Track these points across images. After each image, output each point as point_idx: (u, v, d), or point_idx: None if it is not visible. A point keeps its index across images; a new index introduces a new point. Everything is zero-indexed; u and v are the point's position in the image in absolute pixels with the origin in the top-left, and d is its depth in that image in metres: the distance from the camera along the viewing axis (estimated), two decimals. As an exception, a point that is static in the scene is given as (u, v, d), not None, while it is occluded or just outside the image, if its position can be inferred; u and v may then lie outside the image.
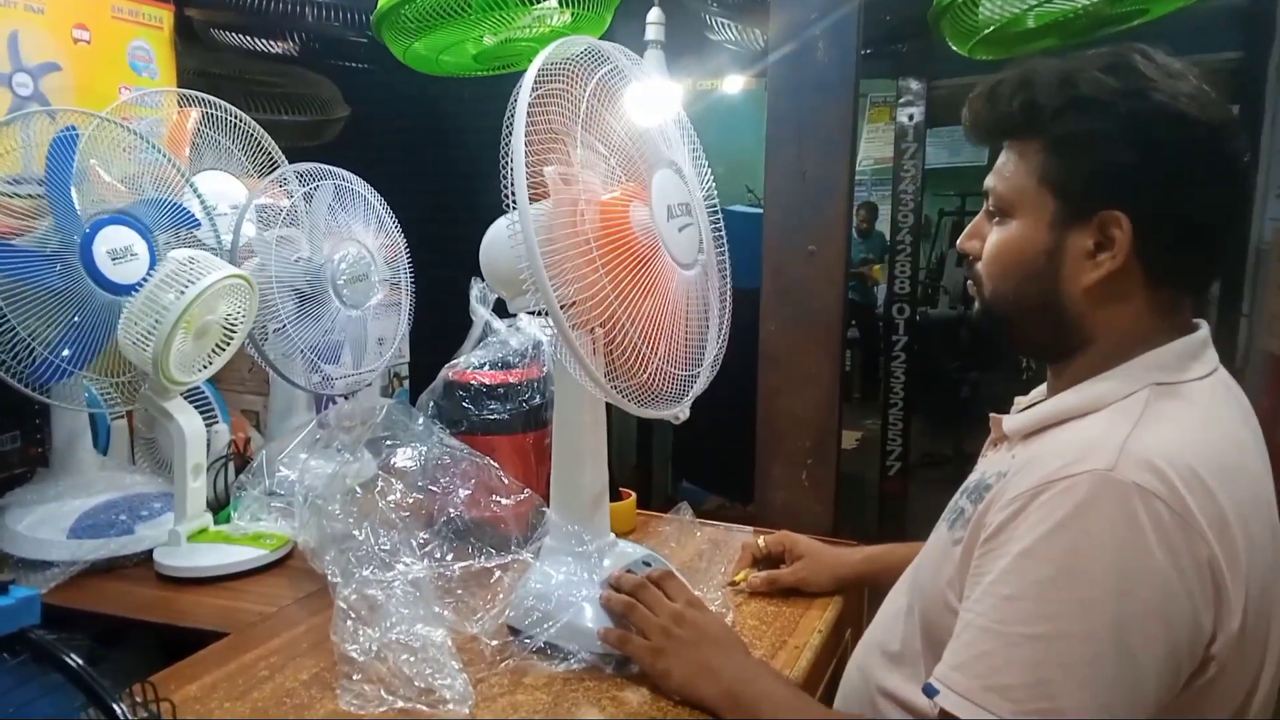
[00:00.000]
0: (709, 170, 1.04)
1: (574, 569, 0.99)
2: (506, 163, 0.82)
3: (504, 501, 1.04)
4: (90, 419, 1.37)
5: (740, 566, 1.17)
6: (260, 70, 1.92)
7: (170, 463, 1.41)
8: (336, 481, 1.09)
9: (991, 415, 0.87)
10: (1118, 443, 0.67)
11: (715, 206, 1.04)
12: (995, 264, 0.82)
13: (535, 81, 0.85)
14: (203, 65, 1.87)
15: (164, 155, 1.33)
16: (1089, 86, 0.74)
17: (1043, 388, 0.88)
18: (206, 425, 1.40)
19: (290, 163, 1.50)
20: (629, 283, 0.88)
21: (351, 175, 1.51)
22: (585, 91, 0.89)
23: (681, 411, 0.97)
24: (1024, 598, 0.66)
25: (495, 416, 1.23)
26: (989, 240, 0.82)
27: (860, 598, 1.22)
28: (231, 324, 1.25)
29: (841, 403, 1.31)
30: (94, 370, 1.23)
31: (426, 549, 1.02)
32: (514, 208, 0.82)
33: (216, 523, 1.27)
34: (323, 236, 1.46)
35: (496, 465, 1.09)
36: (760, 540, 1.19)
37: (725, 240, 1.05)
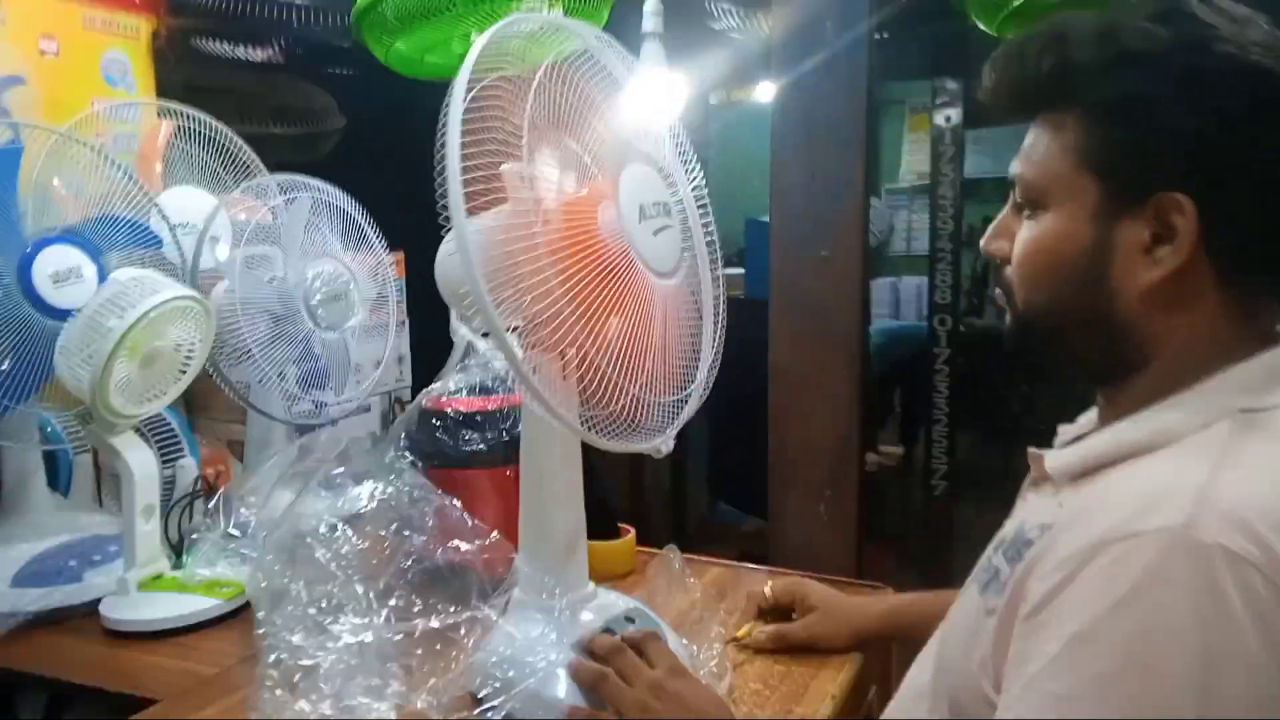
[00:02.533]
0: (698, 167, 0.91)
1: (544, 627, 0.86)
2: (440, 159, 0.70)
3: (466, 548, 0.92)
4: (49, 456, 1.27)
5: (745, 619, 1.03)
6: (250, 81, 1.83)
7: (136, 501, 1.31)
8: (286, 524, 0.97)
9: (1031, 451, 0.72)
10: (1194, 490, 0.52)
11: (705, 206, 0.91)
12: (1028, 267, 0.67)
13: (476, 66, 0.72)
14: (190, 78, 1.78)
15: (121, 170, 1.23)
16: (1135, 39, 0.59)
17: (1092, 414, 0.73)
18: (170, 460, 1.30)
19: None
20: (591, 297, 0.75)
21: (330, 187, 1.40)
22: (539, 74, 0.76)
23: (664, 444, 0.84)
24: (1081, 697, 0.51)
25: (472, 448, 1.11)
26: (1019, 238, 0.68)
27: (886, 652, 1.07)
28: (187, 351, 1.14)
29: (863, 426, 1.16)
30: (45, 402, 1.13)
31: (375, 606, 0.90)
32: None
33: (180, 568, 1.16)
34: (299, 254, 1.35)
35: (458, 505, 0.96)
36: (767, 588, 1.04)
37: (717, 246, 0.91)
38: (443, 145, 0.69)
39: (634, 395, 0.79)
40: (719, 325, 0.91)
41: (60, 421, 1.17)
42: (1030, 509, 0.69)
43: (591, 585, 0.91)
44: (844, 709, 0.91)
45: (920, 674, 0.76)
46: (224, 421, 1.58)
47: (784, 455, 1.22)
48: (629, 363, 0.77)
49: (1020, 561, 0.60)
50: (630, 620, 0.89)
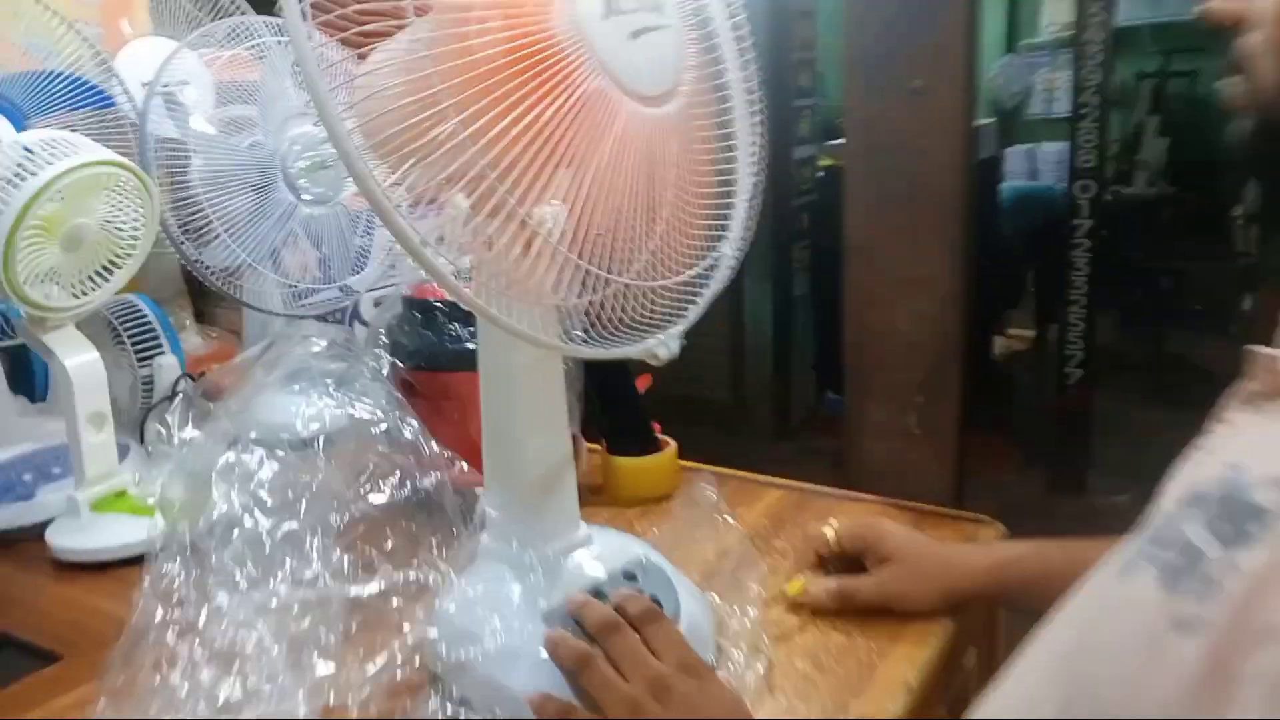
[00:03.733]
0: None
1: (511, 586, 0.65)
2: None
3: (422, 484, 0.70)
4: (16, 353, 1.13)
5: (799, 569, 0.79)
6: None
7: (122, 403, 1.16)
8: (209, 443, 0.78)
9: (1254, 351, 0.44)
10: None
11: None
12: None
13: None
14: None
15: (52, 12, 1.02)
16: None
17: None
18: (146, 358, 1.14)
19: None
20: (531, 140, 0.50)
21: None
22: None
23: (662, 347, 0.59)
24: None
25: (458, 346, 0.89)
26: None
27: (991, 615, 0.82)
28: (131, 231, 0.95)
29: (974, 315, 0.88)
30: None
31: (316, 556, 0.70)
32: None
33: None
34: (280, 114, 1.13)
35: (414, 424, 0.74)
36: (829, 529, 0.80)
37: (752, 55, 0.64)
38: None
39: (608, 280, 0.55)
40: (757, 172, 0.64)
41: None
42: (1249, 445, 0.41)
43: (584, 528, 0.69)
44: (925, 700, 0.67)
45: (1036, 680, 0.50)
46: (235, 309, 1.41)
47: (862, 355, 0.94)
48: (589, 234, 0.52)
49: (1246, 545, 0.34)
50: (631, 577, 0.66)
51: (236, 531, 0.72)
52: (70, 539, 0.92)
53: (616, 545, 0.70)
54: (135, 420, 1.11)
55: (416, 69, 0.50)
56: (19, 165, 0.84)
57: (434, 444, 0.72)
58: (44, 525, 0.95)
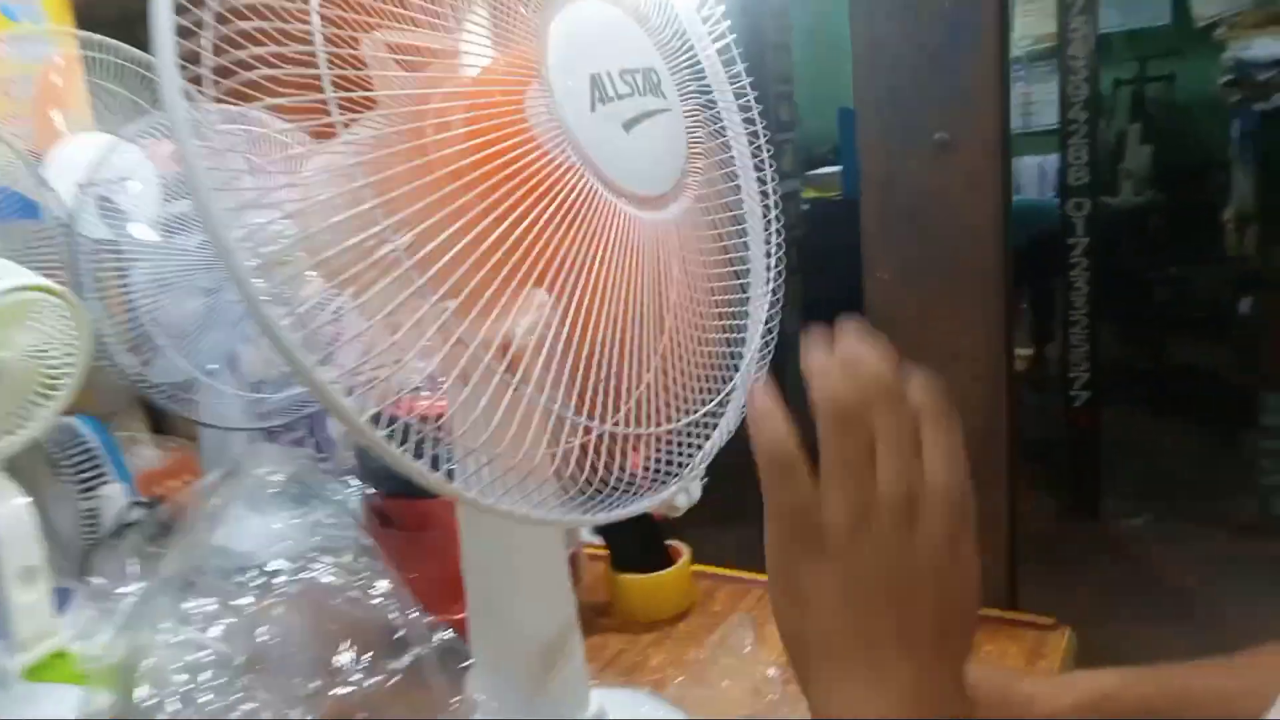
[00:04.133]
0: (715, 4, 0.53)
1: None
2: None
3: (398, 663, 0.58)
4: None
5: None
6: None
7: (65, 540, 1.04)
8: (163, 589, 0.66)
9: None
10: None
11: (735, 67, 0.53)
12: None
13: None
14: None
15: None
16: None
17: None
18: (92, 487, 1.02)
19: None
20: (507, 257, 0.39)
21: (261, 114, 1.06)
22: None
23: (683, 495, 0.48)
24: None
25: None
26: None
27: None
28: (63, 357, 0.83)
29: (1014, 397, 0.78)
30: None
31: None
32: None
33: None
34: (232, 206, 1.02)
35: (387, 583, 0.62)
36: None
37: (760, 136, 0.53)
38: None
39: (602, 428, 0.44)
40: (771, 278, 0.54)
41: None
42: None
43: (595, 703, 0.57)
44: None
45: None
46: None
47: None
48: (580, 374, 0.41)
49: None
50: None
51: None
52: (-1, 718, 0.80)
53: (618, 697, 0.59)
54: (78, 558, 0.99)
55: (350, 178, 0.39)
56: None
57: (413, 612, 0.60)
58: (-25, 698, 0.83)
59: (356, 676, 0.57)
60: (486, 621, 0.55)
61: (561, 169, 0.41)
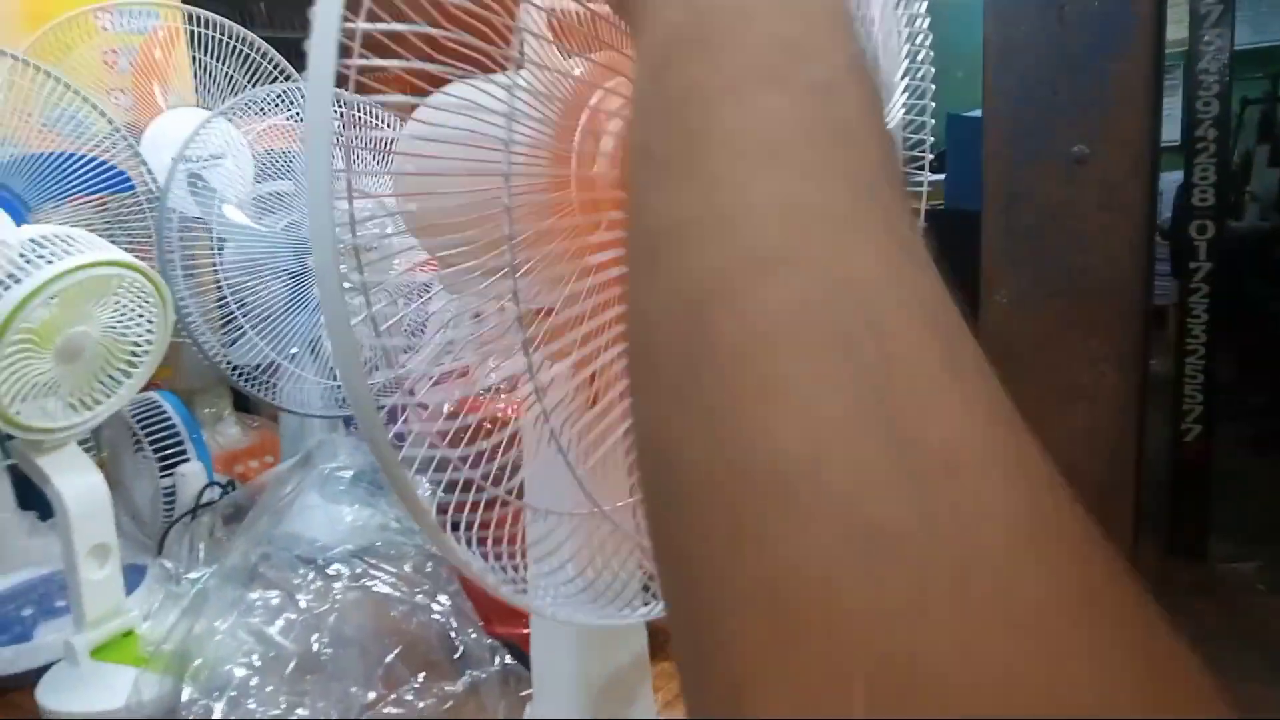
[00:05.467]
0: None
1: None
2: None
3: (454, 687, 0.54)
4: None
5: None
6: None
7: (143, 517, 1.04)
8: (229, 578, 0.64)
9: None
10: None
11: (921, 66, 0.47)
12: None
13: None
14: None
15: (79, 94, 0.91)
16: None
17: None
18: (172, 463, 1.01)
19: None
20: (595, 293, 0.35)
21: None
22: None
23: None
24: None
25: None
26: None
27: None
28: (142, 336, 0.82)
29: (1141, 445, 0.70)
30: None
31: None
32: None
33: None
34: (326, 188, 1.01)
35: (448, 600, 0.59)
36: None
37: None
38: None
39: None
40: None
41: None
42: None
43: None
44: None
45: None
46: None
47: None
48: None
49: None
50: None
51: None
52: (62, 697, 0.79)
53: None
54: (157, 535, 0.98)
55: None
56: (11, 271, 0.72)
57: (473, 631, 0.56)
58: (44, 670, 0.83)
59: (410, 697, 0.54)
60: (550, 646, 0.50)
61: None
